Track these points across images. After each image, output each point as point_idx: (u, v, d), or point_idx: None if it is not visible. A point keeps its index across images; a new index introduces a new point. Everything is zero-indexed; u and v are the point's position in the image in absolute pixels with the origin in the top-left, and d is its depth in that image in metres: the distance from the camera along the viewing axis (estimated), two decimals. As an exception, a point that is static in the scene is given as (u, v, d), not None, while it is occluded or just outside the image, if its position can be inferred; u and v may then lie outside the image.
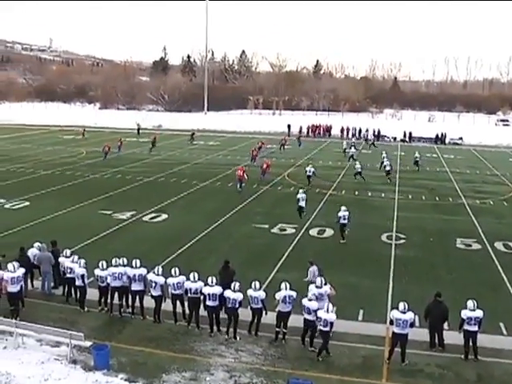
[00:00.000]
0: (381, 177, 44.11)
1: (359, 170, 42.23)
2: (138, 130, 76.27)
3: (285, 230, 27.73)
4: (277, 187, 38.86)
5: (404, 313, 14.91)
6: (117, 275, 17.36)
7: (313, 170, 40.31)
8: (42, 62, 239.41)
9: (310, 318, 15.48)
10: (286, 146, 60.71)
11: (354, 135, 75.66)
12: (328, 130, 79.31)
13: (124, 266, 17.52)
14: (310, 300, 15.62)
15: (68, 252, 19.03)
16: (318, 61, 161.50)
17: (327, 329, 15.11)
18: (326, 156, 56.28)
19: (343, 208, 26.61)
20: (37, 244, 19.65)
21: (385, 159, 46.09)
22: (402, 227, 28.63)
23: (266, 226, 28.20)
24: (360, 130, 76.68)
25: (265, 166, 41.96)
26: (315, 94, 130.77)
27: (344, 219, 26.12)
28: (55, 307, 18.04)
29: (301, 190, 31.27)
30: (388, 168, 43.18)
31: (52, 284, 19.22)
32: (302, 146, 62.82)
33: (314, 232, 27.42)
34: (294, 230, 27.56)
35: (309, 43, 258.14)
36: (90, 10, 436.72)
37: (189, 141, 66.25)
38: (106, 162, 48.41)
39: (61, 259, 18.94)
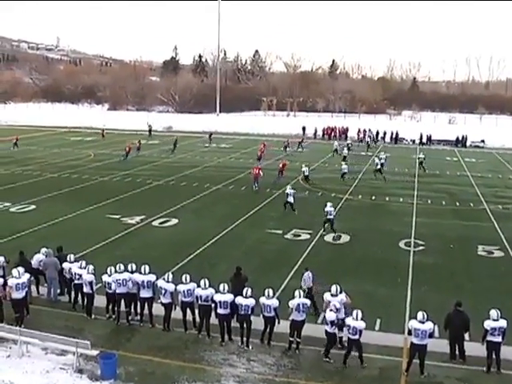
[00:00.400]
0: (398, 181, 43.99)
1: (345, 171, 43.50)
2: (150, 130, 76.85)
3: (299, 235, 27.67)
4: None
5: (423, 322, 14.79)
6: (121, 281, 17.36)
7: (308, 169, 42.72)
8: (48, 61, 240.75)
9: (331, 330, 15.36)
10: (300, 148, 61.11)
11: (341, 136, 76.11)
12: (344, 132, 79.11)
13: (132, 272, 17.52)
14: (330, 311, 15.48)
15: (72, 257, 19.07)
16: (333, 60, 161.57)
17: (357, 337, 15.06)
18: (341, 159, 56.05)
19: (329, 204, 28.73)
20: (43, 249, 19.71)
21: (381, 159, 47.47)
22: (420, 233, 28.47)
23: (280, 232, 28.16)
24: (377, 133, 76.42)
25: (281, 165, 43.23)
26: (331, 95, 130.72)
27: (330, 214, 28.12)
28: (61, 314, 18.09)
29: (289, 186, 33.80)
30: (378, 167, 45.23)
31: (58, 290, 19.27)
32: (306, 149, 62.54)
33: (329, 238, 27.33)
34: (308, 236, 27.49)
35: (324, 42, 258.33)
36: (99, 8, 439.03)
37: (207, 142, 67.58)
38: (122, 164, 49.33)
39: (65, 265, 18.96)
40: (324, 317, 15.62)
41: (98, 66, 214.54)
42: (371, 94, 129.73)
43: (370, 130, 74.84)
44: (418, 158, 51.44)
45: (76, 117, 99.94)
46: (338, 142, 63.15)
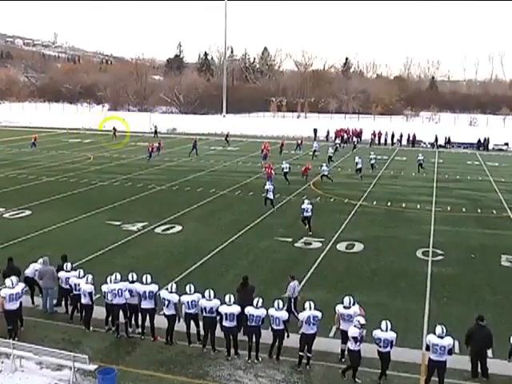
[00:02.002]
0: (415, 186, 43.91)
1: (325, 173, 44.42)
2: (155, 132, 77.36)
3: (310, 244, 27.65)
4: (301, 197, 38.70)
5: (442, 337, 14.70)
6: (116, 292, 17.32)
7: (288, 165, 44.70)
8: (45, 58, 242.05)
9: (353, 347, 15.28)
10: (299, 150, 61.93)
11: (355, 139, 76.13)
12: (358, 134, 79.04)
13: (133, 282, 17.51)
14: (354, 326, 15.33)
15: (69, 266, 19.01)
16: (347, 59, 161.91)
17: (388, 349, 15.06)
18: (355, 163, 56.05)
19: (306, 201, 30.42)
20: (40, 259, 19.71)
21: (372, 159, 51.29)
22: (439, 242, 28.38)
23: (290, 240, 28.14)
24: (393, 135, 76.43)
25: (303, 169, 45.27)
26: (344, 95, 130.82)
27: (307, 211, 29.68)
28: (57, 326, 18.09)
29: (268, 182, 36.39)
30: (359, 166, 47.36)
31: (54, 301, 19.27)
32: (302, 151, 62.58)
33: (341, 246, 27.30)
34: (320, 245, 27.46)
35: (337, 39, 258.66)
36: (98, 2, 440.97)
37: (224, 143, 68.69)
38: (148, 163, 51.36)
39: (61, 274, 18.93)
40: (338, 331, 15.55)
41: (98, 63, 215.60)
42: (387, 94, 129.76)
43: (348, 135, 74.66)
44: (418, 160, 52.37)
45: (74, 117, 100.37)
46: (317, 144, 63.75)
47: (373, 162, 51.61)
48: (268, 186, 34.95)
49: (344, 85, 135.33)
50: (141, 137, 77.20)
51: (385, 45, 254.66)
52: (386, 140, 76.32)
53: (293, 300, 18.49)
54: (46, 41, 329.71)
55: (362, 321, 15.39)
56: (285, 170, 43.95)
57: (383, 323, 15.24)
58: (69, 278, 18.54)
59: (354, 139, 72.25)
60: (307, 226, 29.58)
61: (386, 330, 15.12)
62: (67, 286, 18.62)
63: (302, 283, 22.02)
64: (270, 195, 34.37)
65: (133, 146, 67.47)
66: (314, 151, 59.35)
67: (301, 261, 25.06)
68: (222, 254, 25.83)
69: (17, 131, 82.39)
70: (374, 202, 37.59)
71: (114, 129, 76.52)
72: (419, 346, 16.84)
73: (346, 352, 15.62)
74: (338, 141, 69.73)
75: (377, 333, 15.17)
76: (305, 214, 29.74)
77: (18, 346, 15.64)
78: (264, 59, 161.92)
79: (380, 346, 15.16)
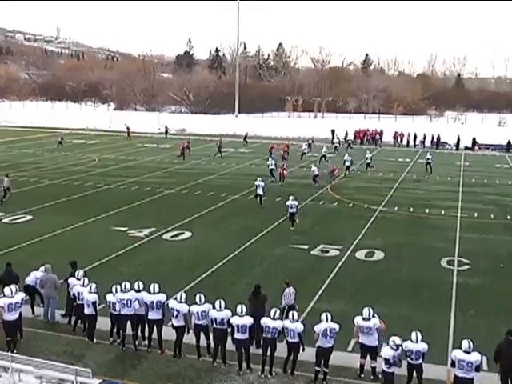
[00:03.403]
0: (440, 191, 43.74)
1: (316, 172, 44.70)
2: (166, 132, 77.90)
3: (327, 251, 27.60)
4: (318, 202, 38.76)
5: (469, 353, 14.58)
6: (125, 302, 17.34)
7: (274, 162, 47.34)
8: (47, 54, 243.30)
9: (388, 369, 15.11)
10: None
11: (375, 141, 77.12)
12: (378, 135, 78.89)
13: (138, 291, 17.54)
14: (390, 348, 15.06)
15: (81, 273, 18.98)
16: (367, 55, 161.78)
17: (420, 361, 15.07)
18: (376, 166, 55.91)
19: (291, 197, 31.92)
20: (42, 267, 19.73)
21: (367, 158, 52.87)
22: (465, 250, 28.23)
23: (306, 247, 28.11)
24: (416, 136, 76.13)
25: (331, 169, 46.74)
26: (364, 93, 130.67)
27: (292, 208, 31.42)
28: (59, 338, 18.11)
29: (259, 179, 37.70)
30: (348, 164, 49.80)
31: (57, 312, 19.21)
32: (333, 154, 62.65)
33: (361, 254, 27.23)
34: (337, 252, 27.41)
35: (357, 35, 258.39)
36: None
37: (243, 145, 69.81)
38: (182, 164, 51.65)
39: (71, 280, 18.91)
40: (357, 344, 15.48)
41: (103, 60, 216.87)
42: (409, 92, 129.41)
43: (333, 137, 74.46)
44: (426, 159, 53.58)
45: (78, 117, 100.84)
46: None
47: (368, 161, 52.81)
48: (258, 182, 37.21)
49: (364, 83, 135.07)
50: (149, 138, 77.47)
51: (407, 40, 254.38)
52: (408, 142, 76.07)
53: (286, 308, 18.42)
54: (49, 36, 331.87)
55: (398, 341, 15.12)
56: (270, 167, 46.60)
57: (413, 334, 15.15)
58: (76, 286, 18.48)
59: (345, 140, 73.04)
60: (291, 223, 31.33)
61: (417, 342, 15.03)
62: (76, 293, 18.53)
63: (319, 293, 22.04)
64: (260, 191, 36.80)
65: (140, 147, 67.71)
66: (323, 156, 58.96)
67: (317, 269, 25.01)
68: (234, 261, 25.83)
69: (17, 131, 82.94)
70: (396, 208, 37.48)
71: (127, 128, 77.46)
72: (444, 361, 16.72)
73: (380, 372, 15.52)
74: (336, 140, 70.62)
75: (407, 344, 15.08)
76: (290, 211, 31.51)
77: (16, 358, 15.58)
78: (279, 56, 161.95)
79: (412, 359, 15.07)
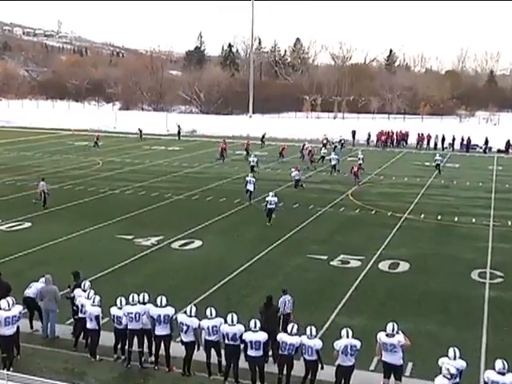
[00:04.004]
0: (470, 197, 43.57)
1: (297, 177, 45.69)
2: (179, 133, 78.50)
3: (348, 262, 27.55)
4: (338, 208, 38.70)
5: (503, 374, 14.44)
6: (133, 316, 17.33)
7: (256, 159, 51.08)
8: (48, 50, 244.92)
9: None
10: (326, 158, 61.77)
11: (400, 143, 77.24)
12: (403, 137, 78.71)
13: (144, 303, 17.52)
14: (443, 377, 14.56)
15: (87, 284, 18.94)
16: (391, 51, 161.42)
17: (457, 380, 14.82)
18: (401, 170, 55.83)
19: (271, 193, 34.71)
20: (42, 278, 19.69)
21: (360, 159, 53.69)
22: (498, 262, 28.08)
23: (324, 258, 28.07)
24: (444, 138, 75.86)
25: (355, 168, 48.24)
26: (388, 92, 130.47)
27: (271, 204, 33.78)
28: (59, 355, 18.11)
29: (250, 174, 41.06)
30: (334, 162, 52.97)
31: (56, 326, 19.16)
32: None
33: (384, 266, 27.16)
34: (359, 263, 27.35)
35: (380, 29, 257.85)
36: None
37: (260, 146, 70.53)
38: (217, 167, 53.37)
39: (77, 291, 18.88)
40: (380, 363, 15.40)
41: (108, 56, 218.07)
42: (437, 91, 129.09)
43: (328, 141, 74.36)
44: (435, 160, 55.05)
45: (81, 117, 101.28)
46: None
47: (360, 162, 52.58)
48: (249, 178, 40.13)
49: (388, 81, 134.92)
50: (157, 140, 77.67)
51: (435, 34, 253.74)
52: (435, 144, 75.76)
53: (282, 317, 18.44)
54: (49, 30, 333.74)
55: (453, 370, 14.62)
56: (251, 164, 50.27)
57: (451, 350, 15.04)
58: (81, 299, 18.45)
59: (341, 140, 73.85)
60: (269, 218, 33.81)
61: (455, 359, 14.93)
62: (80, 305, 18.46)
63: (339, 307, 21.98)
64: (250, 187, 39.40)
65: (147, 149, 67.92)
66: (322, 157, 59.61)
67: (337, 282, 24.96)
68: (247, 273, 25.82)
69: (16, 132, 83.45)
70: (422, 215, 37.36)
71: (139, 130, 78.55)
72: (475, 383, 16.65)
73: None
74: (339, 142, 70.86)
75: (444, 361, 14.96)
76: (268, 207, 33.89)
77: (13, 376, 15.37)
78: (296, 52, 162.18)
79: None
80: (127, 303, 17.48)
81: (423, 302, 22.97)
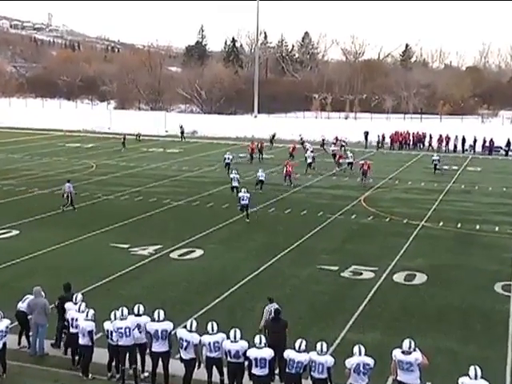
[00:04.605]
0: (493, 204, 43.51)
1: (261, 178, 46.13)
2: (182, 133, 79.44)
3: (360, 273, 27.52)
4: (349, 215, 38.67)
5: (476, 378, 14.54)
6: (123, 331, 17.24)
7: (231, 157, 54.55)
8: (37, 44, 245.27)
9: None
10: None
11: (416, 145, 78.55)
12: (420, 139, 78.65)
13: (138, 315, 17.50)
14: None
15: (79, 297, 18.90)
16: (407, 46, 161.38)
17: None
18: (417, 174, 55.81)
19: (243, 190, 37.14)
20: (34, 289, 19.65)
21: (350, 157, 57.28)
22: (523, 273, 28.05)
23: (335, 269, 28.03)
24: (464, 140, 75.71)
25: (366, 167, 50.16)
26: (403, 90, 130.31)
27: (243, 200, 36.32)
28: (48, 373, 18.06)
29: (234, 171, 44.71)
30: (309, 160, 55.32)
31: (46, 342, 19.17)
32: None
33: (399, 277, 27.11)
34: (372, 275, 27.31)
35: (395, 22, 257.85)
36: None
37: (269, 148, 71.17)
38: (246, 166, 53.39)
39: (68, 305, 18.80)
40: (395, 382, 15.34)
41: (102, 51, 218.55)
42: (457, 88, 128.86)
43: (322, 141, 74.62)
44: (433, 161, 57.15)
45: (73, 117, 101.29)
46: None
47: (350, 160, 56.57)
48: (233, 174, 43.77)
49: (403, 78, 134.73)
50: (154, 141, 77.73)
51: (455, 27, 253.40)
52: (455, 146, 75.72)
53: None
54: (39, 23, 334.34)
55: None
56: (226, 161, 53.03)
57: (471, 369, 15.00)
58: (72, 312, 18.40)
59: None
60: (246, 214, 36.51)
61: (476, 378, 14.89)
62: (70, 319, 18.43)
63: (350, 322, 21.92)
64: (235, 183, 42.59)
65: (144, 152, 68.02)
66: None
67: (349, 294, 24.92)
68: (252, 284, 25.80)
69: (2, 133, 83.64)
70: (441, 223, 37.32)
71: (138, 134, 79.13)
72: (497, 403, 16.61)
73: None
74: (334, 147, 67.78)
75: (464, 381, 14.99)
76: (241, 203, 36.56)
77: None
78: (305, 47, 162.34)
79: None
80: (116, 318, 17.37)
81: (442, 317, 22.90)
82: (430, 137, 77.99)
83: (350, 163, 56.34)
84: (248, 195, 36.55)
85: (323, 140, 72.86)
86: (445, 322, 22.37)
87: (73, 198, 38.26)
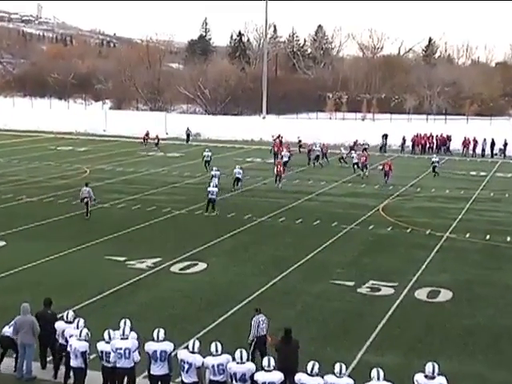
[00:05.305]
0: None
1: (238, 176, 49.34)
2: (188, 136, 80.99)
3: (378, 289, 27.48)
4: (367, 226, 38.62)
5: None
6: (122, 352, 17.20)
7: (210, 153, 58.82)
8: (26, 38, 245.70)
9: None
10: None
11: (440, 149, 78.11)
12: (444, 142, 78.52)
13: (123, 335, 17.35)
14: None
15: (70, 314, 18.83)
16: (430, 40, 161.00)
17: None
18: (441, 181, 55.72)
19: (212, 183, 41.57)
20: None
21: (353, 158, 59.83)
22: (558, 290, 27.96)
23: (351, 284, 28.02)
24: (493, 143, 75.48)
25: (387, 168, 53.06)
26: (426, 89, 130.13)
27: (212, 194, 40.40)
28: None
29: (214, 168, 48.83)
30: (285, 159, 58.84)
31: (33, 364, 19.09)
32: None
33: (422, 294, 27.05)
34: (392, 291, 27.27)
35: (417, 15, 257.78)
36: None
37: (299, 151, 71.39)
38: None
39: (59, 324, 18.77)
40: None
41: (97, 46, 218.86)
42: (486, 87, 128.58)
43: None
44: (432, 163, 59.31)
45: (65, 118, 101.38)
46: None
47: (355, 160, 59.02)
48: (214, 172, 47.07)
49: (426, 75, 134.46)
50: (154, 144, 77.64)
51: (483, 20, 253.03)
52: (483, 150, 75.57)
53: (255, 340, 18.65)
54: (27, 15, 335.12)
55: None
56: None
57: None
58: (66, 331, 18.31)
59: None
60: (211, 208, 40.46)
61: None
62: (63, 341, 18.42)
63: (368, 343, 21.87)
64: (216, 181, 43.82)
65: (143, 156, 68.11)
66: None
67: (366, 312, 24.88)
68: (260, 301, 25.62)
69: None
70: (467, 235, 37.25)
71: (146, 134, 78.61)
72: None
73: None
74: (354, 154, 67.73)
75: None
76: (209, 197, 40.38)
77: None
78: (318, 41, 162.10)
79: None
80: (109, 337, 17.35)
81: (469, 338, 22.82)
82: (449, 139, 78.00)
83: (355, 163, 58.55)
84: (216, 190, 41.03)
85: (299, 141, 74.23)
86: (472, 344, 22.29)
87: (88, 207, 38.91)
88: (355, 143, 72.73)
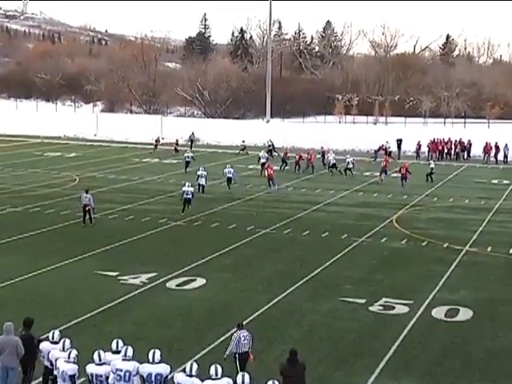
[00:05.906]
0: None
1: (229, 175, 52.50)
2: (192, 141, 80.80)
3: (392, 307, 27.43)
4: (379, 239, 38.62)
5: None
6: (122, 374, 17.16)
7: (191, 154, 62.91)
8: (10, 35, 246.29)
9: None
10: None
11: (459, 155, 78.28)
12: (464, 148, 78.51)
13: (116, 352, 17.35)
14: None
15: (56, 334, 18.70)
16: (448, 37, 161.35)
17: None
18: (460, 190, 55.76)
19: (187, 183, 44.06)
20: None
21: (349, 163, 61.38)
22: None
23: (362, 302, 27.98)
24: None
25: (404, 170, 55.51)
26: (444, 90, 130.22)
27: (187, 194, 43.39)
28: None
29: (201, 168, 51.33)
30: (263, 160, 62.32)
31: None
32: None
33: (439, 313, 27.00)
34: (407, 309, 27.21)
35: (433, 10, 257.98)
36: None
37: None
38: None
39: (44, 345, 18.69)
40: None
41: (87, 44, 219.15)
42: (509, 88, 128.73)
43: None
44: (431, 169, 61.01)
45: (53, 121, 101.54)
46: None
47: (350, 166, 61.31)
48: (200, 171, 50.07)
49: (444, 75, 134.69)
50: (148, 150, 77.70)
51: (505, 15, 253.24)
52: (506, 156, 75.48)
53: (237, 356, 18.79)
54: (12, 10, 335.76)
55: None
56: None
57: None
58: (51, 353, 18.18)
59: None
60: (186, 208, 43.26)
61: None
62: (48, 364, 18.34)
63: (381, 366, 21.81)
64: (202, 181, 49.48)
65: (136, 163, 68.12)
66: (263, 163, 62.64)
67: (379, 333, 24.85)
68: (263, 320, 25.74)
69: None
70: (489, 248, 37.20)
71: (157, 140, 78.77)
72: None
73: None
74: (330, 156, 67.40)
75: None
76: (185, 197, 43.30)
77: None
78: (326, 39, 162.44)
79: None
80: (100, 357, 17.22)
81: (491, 361, 22.76)
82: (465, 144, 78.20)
83: (347, 169, 61.19)
84: (191, 189, 44.02)
85: (270, 146, 75.23)
86: (494, 368, 22.23)
87: (91, 214, 39.83)
88: (381, 147, 73.83)
